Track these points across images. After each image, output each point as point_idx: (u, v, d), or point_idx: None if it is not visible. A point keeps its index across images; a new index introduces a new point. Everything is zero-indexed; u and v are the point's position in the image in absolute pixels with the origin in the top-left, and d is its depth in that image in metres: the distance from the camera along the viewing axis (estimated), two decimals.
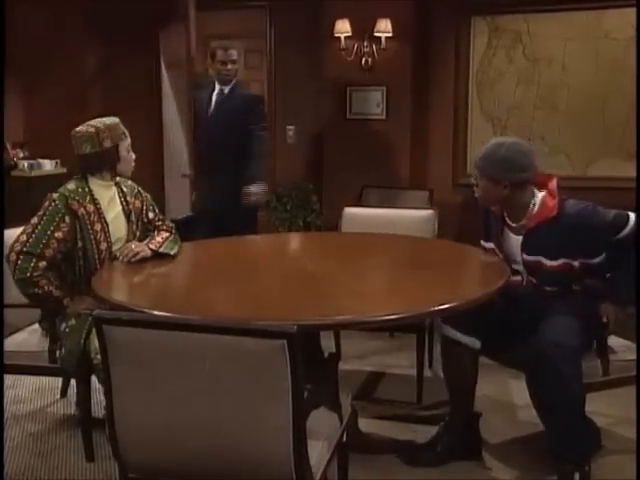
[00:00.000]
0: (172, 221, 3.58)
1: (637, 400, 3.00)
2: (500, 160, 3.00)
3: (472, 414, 3.27)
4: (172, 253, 3.26)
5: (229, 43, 5.01)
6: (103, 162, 3.24)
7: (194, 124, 5.15)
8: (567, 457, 2.88)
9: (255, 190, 4.86)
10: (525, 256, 3.09)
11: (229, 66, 4.94)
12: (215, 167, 4.93)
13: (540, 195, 3.08)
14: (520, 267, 3.14)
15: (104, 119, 3.28)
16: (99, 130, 3.20)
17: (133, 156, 3.33)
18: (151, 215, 3.43)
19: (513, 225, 3.15)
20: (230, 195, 4.85)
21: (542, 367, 2.81)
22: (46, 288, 3.07)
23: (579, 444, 2.89)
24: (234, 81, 5.02)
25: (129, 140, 3.31)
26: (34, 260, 3.03)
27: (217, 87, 5.00)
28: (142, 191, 3.46)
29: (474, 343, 3.08)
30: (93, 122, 3.24)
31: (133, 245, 3.20)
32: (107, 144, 3.20)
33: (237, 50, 5.01)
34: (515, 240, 3.14)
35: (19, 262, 3.03)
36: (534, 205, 3.07)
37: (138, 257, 3.16)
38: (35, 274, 3.04)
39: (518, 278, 3.16)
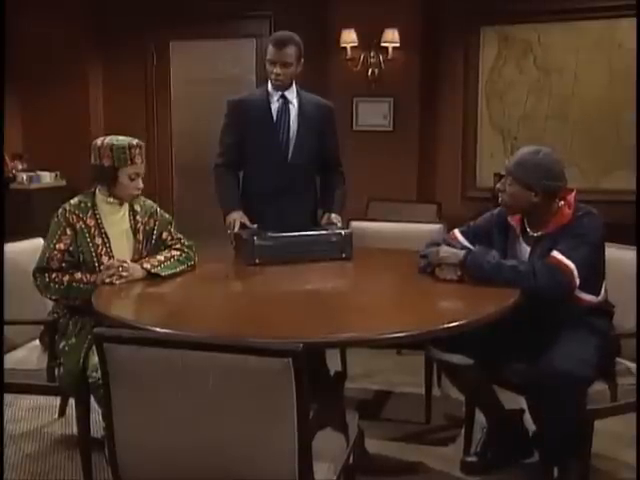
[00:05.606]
0: None
1: (637, 411, 2.90)
2: (536, 166, 2.97)
3: (509, 413, 3.23)
4: (163, 274, 3.13)
5: (288, 37, 3.72)
6: (99, 178, 3.18)
7: (235, 148, 3.87)
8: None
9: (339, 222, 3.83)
10: None
11: (277, 69, 3.69)
12: (286, 189, 3.80)
13: (560, 205, 3.05)
14: None
15: (119, 137, 3.17)
16: (102, 146, 3.13)
17: (139, 185, 3.18)
18: (165, 235, 3.34)
19: (532, 234, 3.10)
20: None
21: (546, 397, 2.77)
22: (67, 278, 3.07)
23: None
24: (294, 86, 3.83)
25: (138, 169, 3.16)
26: (46, 274, 3.09)
27: (275, 94, 3.79)
28: (160, 211, 3.38)
29: (462, 360, 3.01)
30: (109, 136, 3.18)
31: (120, 266, 3.07)
32: (106, 163, 3.12)
33: (296, 49, 3.69)
34: (526, 251, 3.10)
35: (37, 281, 3.11)
36: (553, 216, 3.05)
37: (122, 280, 3.05)
38: (52, 284, 3.08)
39: None
